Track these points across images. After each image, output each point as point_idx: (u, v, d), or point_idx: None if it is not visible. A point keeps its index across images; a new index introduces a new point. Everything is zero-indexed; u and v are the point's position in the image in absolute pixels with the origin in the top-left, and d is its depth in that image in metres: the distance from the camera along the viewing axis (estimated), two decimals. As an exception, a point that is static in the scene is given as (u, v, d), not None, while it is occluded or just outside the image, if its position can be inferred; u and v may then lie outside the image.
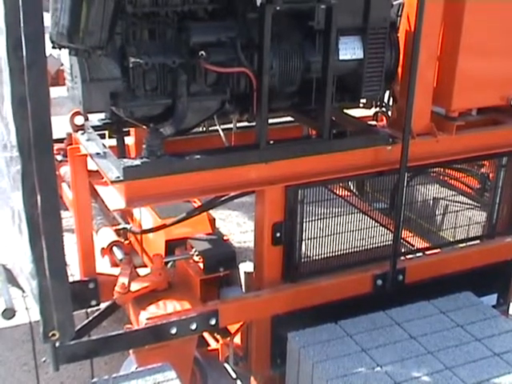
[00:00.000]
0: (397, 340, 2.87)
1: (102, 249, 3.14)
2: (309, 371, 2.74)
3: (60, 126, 3.66)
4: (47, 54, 2.02)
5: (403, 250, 3.30)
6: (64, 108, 4.36)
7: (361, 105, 3.07)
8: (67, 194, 3.67)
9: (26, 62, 1.98)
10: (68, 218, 3.60)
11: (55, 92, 4.58)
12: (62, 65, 2.77)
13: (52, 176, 2.17)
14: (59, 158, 4.12)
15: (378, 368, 2.69)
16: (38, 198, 2.13)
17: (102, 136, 2.98)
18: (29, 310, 3.24)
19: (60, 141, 4.13)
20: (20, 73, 2.00)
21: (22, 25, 1.94)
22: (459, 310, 3.10)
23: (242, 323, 3.04)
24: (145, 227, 3.48)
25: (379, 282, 3.12)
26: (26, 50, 1.96)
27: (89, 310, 3.18)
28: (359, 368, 2.69)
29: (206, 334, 3.30)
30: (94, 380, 2.59)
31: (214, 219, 3.53)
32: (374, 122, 3.35)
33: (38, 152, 2.09)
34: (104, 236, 3.23)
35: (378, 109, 3.18)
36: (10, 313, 2.56)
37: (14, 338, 3.20)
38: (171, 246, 3.24)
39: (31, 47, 1.97)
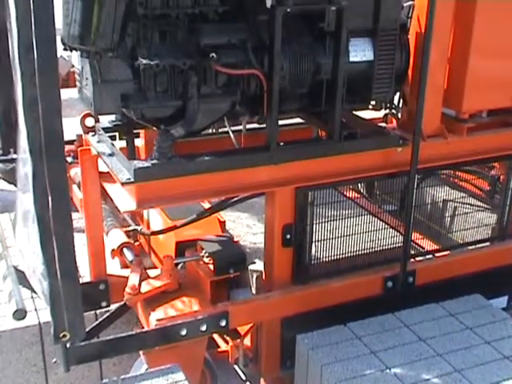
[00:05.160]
0: (406, 342, 2.87)
1: (113, 250, 3.14)
2: (317, 373, 2.74)
3: (70, 128, 3.67)
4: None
5: (413, 252, 3.29)
6: (74, 110, 4.38)
7: (370, 107, 3.06)
8: (77, 195, 3.68)
9: (38, 65, 1.99)
10: (78, 219, 3.61)
11: (66, 94, 4.59)
12: (73, 66, 2.78)
13: (63, 178, 2.18)
14: (69, 159, 4.13)
15: (387, 370, 2.69)
16: (49, 199, 2.15)
17: (113, 137, 2.99)
18: (38, 312, 3.25)
19: (70, 142, 4.15)
20: (31, 75, 2.01)
21: (33, 27, 1.95)
22: (468, 313, 3.09)
23: (251, 325, 3.05)
24: (155, 229, 3.49)
25: (389, 283, 3.11)
26: (37, 53, 1.98)
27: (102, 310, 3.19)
28: (368, 370, 2.68)
29: (215, 336, 3.30)
30: (104, 381, 2.59)
31: (225, 221, 3.53)
32: (383, 124, 3.34)
33: (49, 154, 2.10)
34: (114, 237, 3.23)
35: (387, 111, 3.17)
36: (21, 313, 2.57)
37: (23, 339, 3.21)
38: (181, 248, 3.24)
39: (42, 50, 1.98)
